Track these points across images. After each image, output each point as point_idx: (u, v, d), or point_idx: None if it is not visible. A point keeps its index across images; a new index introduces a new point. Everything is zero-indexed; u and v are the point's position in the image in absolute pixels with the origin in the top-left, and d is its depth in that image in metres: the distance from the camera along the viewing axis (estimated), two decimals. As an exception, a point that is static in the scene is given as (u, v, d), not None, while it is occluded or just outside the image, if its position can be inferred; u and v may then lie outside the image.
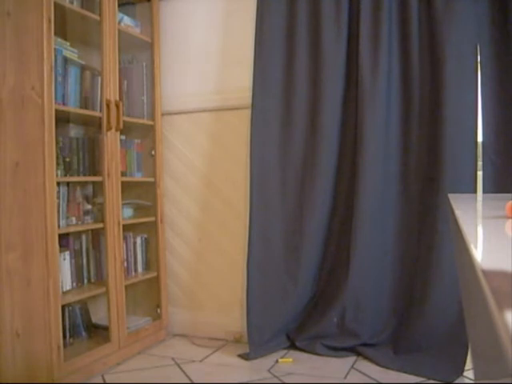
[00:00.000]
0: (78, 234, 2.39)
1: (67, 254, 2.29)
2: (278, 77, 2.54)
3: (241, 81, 2.66)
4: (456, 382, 2.10)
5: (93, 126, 2.45)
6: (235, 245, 2.71)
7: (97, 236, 2.46)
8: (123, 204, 2.48)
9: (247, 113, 2.60)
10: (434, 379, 2.12)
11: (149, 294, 2.77)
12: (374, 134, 2.38)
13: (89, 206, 2.45)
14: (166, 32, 2.80)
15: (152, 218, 2.72)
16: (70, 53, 2.30)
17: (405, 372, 2.19)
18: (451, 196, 1.05)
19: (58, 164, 2.14)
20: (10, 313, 2.06)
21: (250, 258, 2.52)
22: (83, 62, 2.41)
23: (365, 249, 2.42)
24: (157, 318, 2.74)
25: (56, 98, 2.08)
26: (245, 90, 2.61)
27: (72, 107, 2.29)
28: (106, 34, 2.32)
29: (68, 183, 2.32)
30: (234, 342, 2.68)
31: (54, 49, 2.08)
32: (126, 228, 2.54)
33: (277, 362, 2.39)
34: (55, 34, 2.06)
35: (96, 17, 2.31)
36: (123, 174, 2.52)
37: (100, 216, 2.42)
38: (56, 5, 2.05)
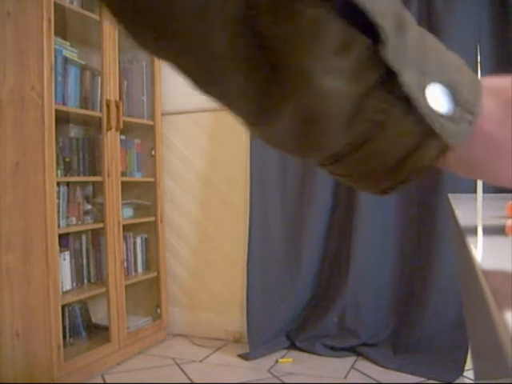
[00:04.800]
0: (78, 234, 2.39)
1: (67, 254, 2.29)
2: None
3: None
4: (456, 382, 2.10)
5: (93, 125, 2.45)
6: (235, 245, 2.71)
7: (97, 236, 2.46)
8: (123, 204, 2.48)
9: (247, 113, 2.60)
10: (434, 379, 2.12)
11: (149, 294, 2.77)
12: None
13: (89, 206, 2.45)
14: (165, 32, 2.80)
15: (152, 218, 2.72)
16: (70, 53, 2.30)
17: (405, 372, 2.19)
18: (451, 196, 1.05)
19: (58, 164, 2.14)
20: (10, 313, 2.06)
21: (250, 258, 2.52)
22: (83, 62, 2.41)
23: (365, 249, 2.42)
24: (157, 318, 2.73)
25: (56, 98, 2.08)
26: (245, 90, 2.61)
27: (72, 107, 2.29)
28: (106, 34, 2.32)
29: (68, 183, 2.32)
30: (233, 342, 2.68)
31: (54, 49, 2.08)
32: (126, 228, 2.54)
33: (277, 361, 2.39)
34: (55, 34, 2.06)
35: (96, 17, 2.31)
36: (123, 174, 2.52)
37: (100, 216, 2.42)
38: (56, 5, 2.05)
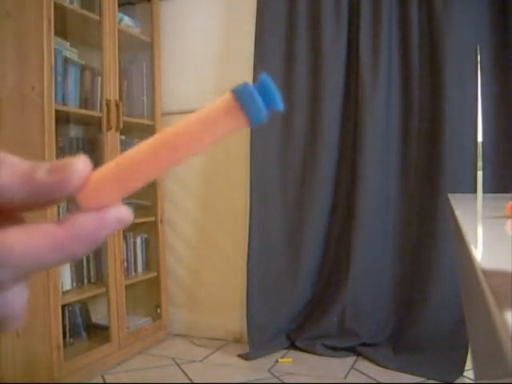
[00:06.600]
0: (78, 234, 2.39)
1: (67, 254, 2.29)
2: (277, 76, 2.54)
3: (241, 80, 2.62)
4: (456, 382, 2.10)
5: (93, 125, 2.45)
6: (235, 245, 2.71)
7: (97, 236, 2.46)
8: (123, 204, 2.48)
9: (247, 113, 2.59)
10: (434, 379, 2.12)
11: (149, 294, 2.77)
12: (373, 134, 2.38)
13: (89, 206, 2.45)
14: (166, 32, 2.80)
15: (152, 218, 2.72)
16: (70, 53, 2.30)
17: (405, 372, 2.19)
18: (451, 196, 1.05)
19: (58, 164, 2.14)
20: (10, 313, 2.06)
21: (250, 258, 2.52)
22: (83, 62, 2.41)
23: (365, 249, 2.42)
24: (157, 318, 2.73)
25: (56, 98, 2.08)
26: (245, 90, 2.61)
27: (72, 107, 2.29)
28: (106, 34, 2.32)
29: (68, 183, 2.31)
30: (233, 342, 2.68)
31: (54, 49, 2.07)
32: (126, 228, 2.53)
33: (277, 361, 2.39)
34: (55, 34, 2.06)
35: (96, 17, 2.31)
36: (123, 174, 2.52)
37: (100, 216, 2.42)
38: (56, 5, 2.05)
